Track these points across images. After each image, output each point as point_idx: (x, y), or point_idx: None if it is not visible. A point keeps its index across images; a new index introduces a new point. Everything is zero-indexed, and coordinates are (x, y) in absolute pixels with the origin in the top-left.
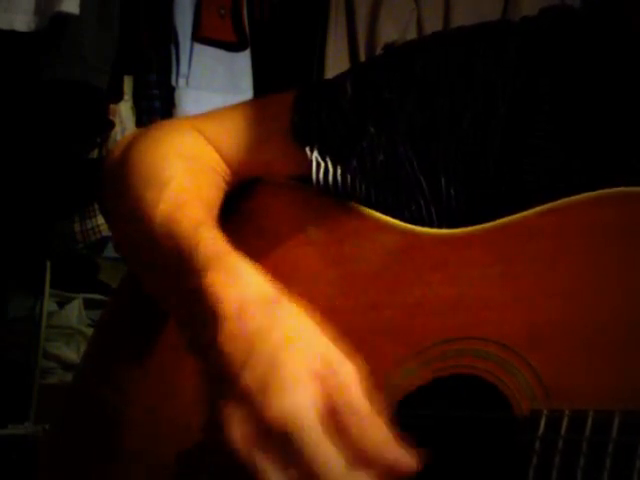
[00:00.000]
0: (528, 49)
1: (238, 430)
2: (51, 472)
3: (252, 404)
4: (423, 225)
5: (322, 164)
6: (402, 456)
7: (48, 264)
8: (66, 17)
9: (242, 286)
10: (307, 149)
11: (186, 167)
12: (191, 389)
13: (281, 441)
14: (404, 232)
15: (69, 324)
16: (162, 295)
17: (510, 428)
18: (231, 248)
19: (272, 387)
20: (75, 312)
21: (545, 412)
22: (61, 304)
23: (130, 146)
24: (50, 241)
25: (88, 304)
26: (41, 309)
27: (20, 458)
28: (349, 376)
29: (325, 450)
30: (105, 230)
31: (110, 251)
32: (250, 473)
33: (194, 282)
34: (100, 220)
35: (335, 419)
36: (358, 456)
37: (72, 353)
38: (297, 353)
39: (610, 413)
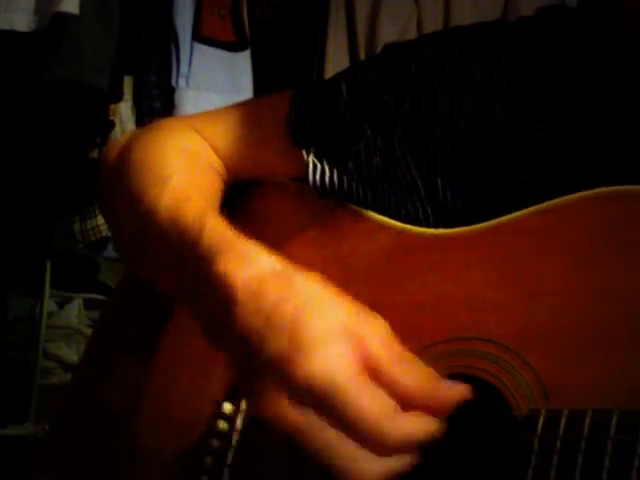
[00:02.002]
0: (524, 49)
1: (277, 399)
2: (51, 472)
3: (287, 366)
4: (420, 226)
5: (318, 166)
6: (449, 388)
7: (48, 264)
8: (66, 17)
9: (253, 265)
10: (303, 151)
11: (186, 164)
12: (192, 387)
13: (327, 400)
14: (402, 232)
15: (69, 324)
16: (171, 288)
17: (509, 428)
18: (236, 232)
19: (302, 349)
20: (75, 312)
21: (543, 412)
22: (61, 304)
23: (129, 145)
24: (50, 241)
25: (88, 304)
26: (41, 309)
27: (20, 458)
28: (377, 327)
29: (374, 400)
30: (105, 230)
31: (110, 251)
32: (304, 440)
33: (205, 269)
34: (100, 220)
35: (372, 369)
36: (405, 399)
37: (72, 353)
38: (321, 313)
39: (608, 412)
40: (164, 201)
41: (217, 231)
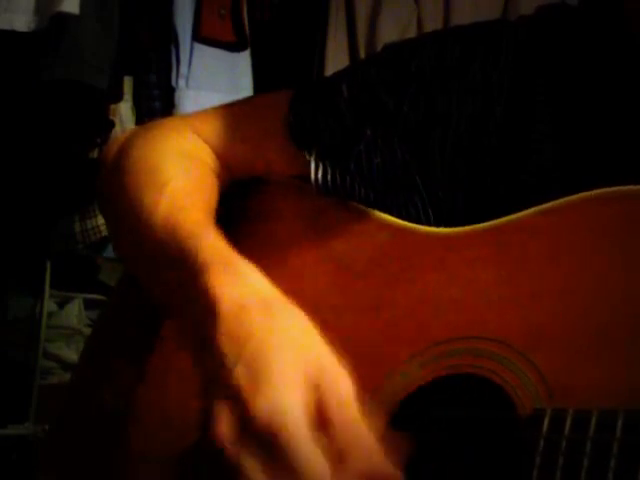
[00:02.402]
0: (525, 49)
1: (225, 427)
2: (51, 472)
3: (240, 402)
4: (421, 225)
5: (320, 166)
6: (388, 468)
7: (48, 264)
8: (66, 17)
9: (241, 286)
10: (305, 151)
11: (184, 167)
12: (189, 388)
13: (266, 440)
14: (405, 231)
15: (69, 324)
16: (161, 294)
17: (514, 428)
18: (231, 249)
19: (261, 385)
20: (75, 312)
21: (549, 411)
22: (61, 304)
23: (127, 145)
24: (50, 241)
25: (88, 304)
26: (41, 309)
27: (20, 458)
28: (342, 383)
29: (310, 452)
30: (105, 230)
31: (110, 251)
32: (235, 471)
33: (194, 282)
34: (100, 220)
35: (322, 424)
36: (343, 463)
37: (72, 353)
38: (291, 355)
39: (614, 412)
40: (161, 208)
41: (211, 246)
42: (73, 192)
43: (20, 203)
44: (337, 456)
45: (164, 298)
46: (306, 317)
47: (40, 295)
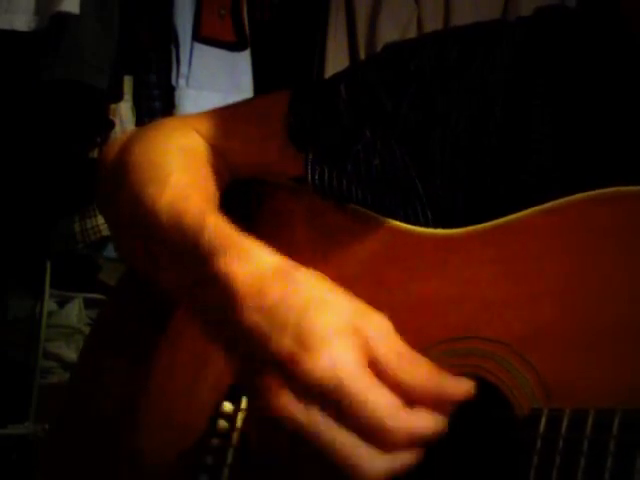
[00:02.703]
0: (524, 49)
1: (282, 396)
2: (51, 472)
3: (294, 364)
4: (420, 226)
5: (317, 167)
6: (454, 385)
7: (48, 264)
8: (66, 17)
9: (256, 263)
10: (303, 152)
11: (186, 163)
12: (192, 386)
13: (332, 396)
14: (403, 232)
15: (69, 324)
16: (171, 286)
17: (511, 427)
18: (238, 230)
19: (306, 347)
20: (75, 312)
21: (545, 411)
22: (61, 304)
23: (128, 144)
24: (50, 241)
25: (88, 304)
26: (41, 309)
27: (20, 458)
28: (381, 325)
29: (379, 396)
30: (105, 230)
31: (110, 251)
32: (308, 436)
33: (207, 267)
34: (100, 220)
35: (376, 366)
36: (409, 397)
37: (72, 353)
38: (325, 310)
39: (611, 412)
40: (164, 199)
41: (218, 229)
42: (73, 192)
43: (20, 203)
44: (403, 392)
45: (175, 290)
46: (323, 276)
47: (40, 295)
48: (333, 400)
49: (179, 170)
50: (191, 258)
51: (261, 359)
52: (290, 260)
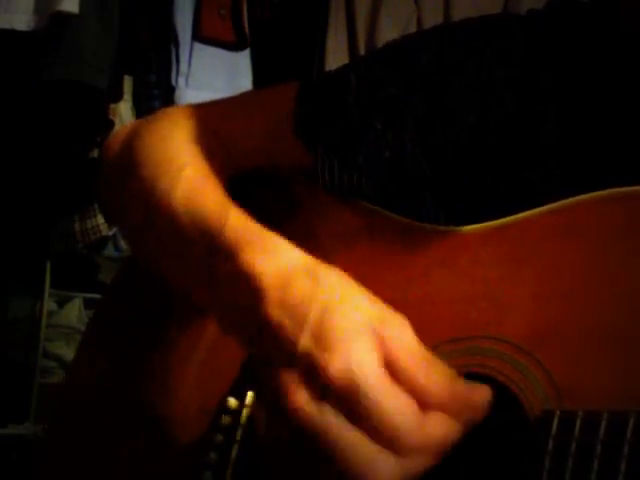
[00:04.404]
0: (533, 44)
1: (297, 394)
2: (47, 473)
3: (312, 362)
4: (430, 222)
5: (327, 161)
6: (473, 390)
7: (48, 264)
8: (66, 17)
9: (279, 259)
10: (311, 147)
11: (194, 155)
12: (195, 382)
13: (347, 397)
14: (413, 229)
15: (69, 324)
16: (187, 284)
17: (522, 429)
18: (258, 224)
19: (329, 344)
20: (75, 312)
21: (558, 413)
22: (61, 304)
23: (132, 138)
24: (50, 241)
25: (88, 304)
26: (41, 309)
27: (20, 458)
28: (401, 327)
29: (395, 399)
30: (105, 230)
31: (110, 250)
32: (320, 437)
33: (229, 262)
34: (100, 220)
35: (397, 369)
36: (426, 401)
37: (72, 353)
38: (348, 310)
39: (625, 414)
40: (179, 195)
41: (240, 223)
42: (73, 192)
43: (20, 203)
44: (419, 396)
45: (191, 286)
46: (348, 276)
47: (40, 295)
48: (348, 401)
49: (190, 163)
50: (213, 253)
51: (279, 355)
52: (313, 257)
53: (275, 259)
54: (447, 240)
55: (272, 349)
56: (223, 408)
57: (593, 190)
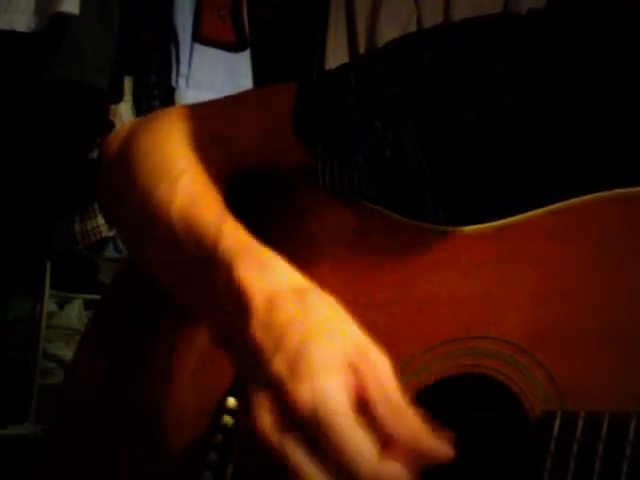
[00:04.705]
0: (534, 43)
1: (267, 415)
2: (47, 473)
3: (281, 389)
4: (430, 221)
5: (327, 161)
6: (438, 445)
7: (48, 264)
8: (66, 17)
9: (271, 277)
10: (311, 146)
11: (193, 159)
12: (194, 383)
13: (310, 427)
14: (413, 229)
15: (69, 324)
16: (182, 292)
17: (523, 429)
18: (253, 239)
19: (302, 372)
20: (75, 312)
21: (559, 414)
22: (61, 304)
23: (131, 138)
24: (50, 241)
25: (88, 304)
26: (41, 309)
27: (20, 458)
28: (381, 365)
29: (356, 436)
30: (105, 231)
31: (110, 251)
32: (279, 460)
33: (221, 276)
34: (100, 221)
35: (366, 407)
36: (390, 445)
37: (72, 353)
38: (329, 340)
39: (627, 415)
40: (176, 202)
41: (235, 238)
42: (73, 192)
43: (20, 203)
44: (383, 437)
45: (186, 295)
46: (337, 303)
47: (40, 295)
48: (311, 432)
49: (187, 171)
50: (207, 265)
51: (259, 375)
52: (305, 279)
53: (266, 277)
54: (447, 240)
55: (252, 367)
56: (223, 408)
57: (593, 190)
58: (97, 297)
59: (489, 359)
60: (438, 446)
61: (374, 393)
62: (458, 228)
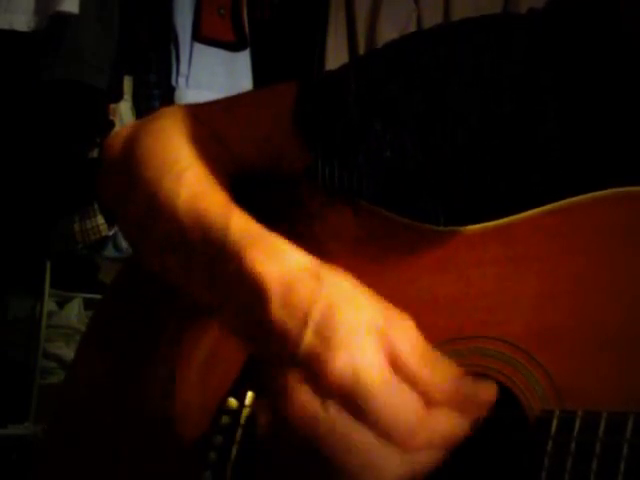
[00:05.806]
0: (535, 42)
1: (302, 393)
2: (46, 473)
3: (315, 365)
4: (430, 222)
5: (327, 161)
6: (479, 387)
7: (48, 264)
8: (66, 17)
9: (283, 261)
10: (312, 146)
11: (197, 155)
12: (194, 383)
13: (352, 395)
14: (413, 229)
15: (69, 324)
16: (191, 284)
17: (521, 428)
18: (261, 226)
19: (333, 343)
20: (75, 312)
21: (557, 413)
22: (61, 304)
23: (134, 138)
24: (50, 241)
25: (88, 304)
26: (41, 309)
27: (20, 458)
28: (405, 326)
29: (400, 397)
30: (105, 230)
31: (110, 251)
32: (324, 436)
33: (233, 265)
34: (100, 220)
35: (402, 367)
36: (432, 398)
37: (72, 353)
38: (352, 309)
39: (624, 415)
40: (182, 196)
41: (244, 226)
42: (73, 192)
43: (20, 203)
44: (424, 394)
45: (195, 290)
46: (352, 277)
47: (40, 295)
48: (352, 400)
49: (190, 167)
50: (217, 256)
51: (282, 355)
52: (316, 259)
53: (279, 261)
54: (447, 240)
55: (275, 349)
56: (223, 408)
57: (593, 190)
58: (97, 296)
59: (489, 359)
60: (480, 389)
61: (407, 352)
62: (458, 228)
